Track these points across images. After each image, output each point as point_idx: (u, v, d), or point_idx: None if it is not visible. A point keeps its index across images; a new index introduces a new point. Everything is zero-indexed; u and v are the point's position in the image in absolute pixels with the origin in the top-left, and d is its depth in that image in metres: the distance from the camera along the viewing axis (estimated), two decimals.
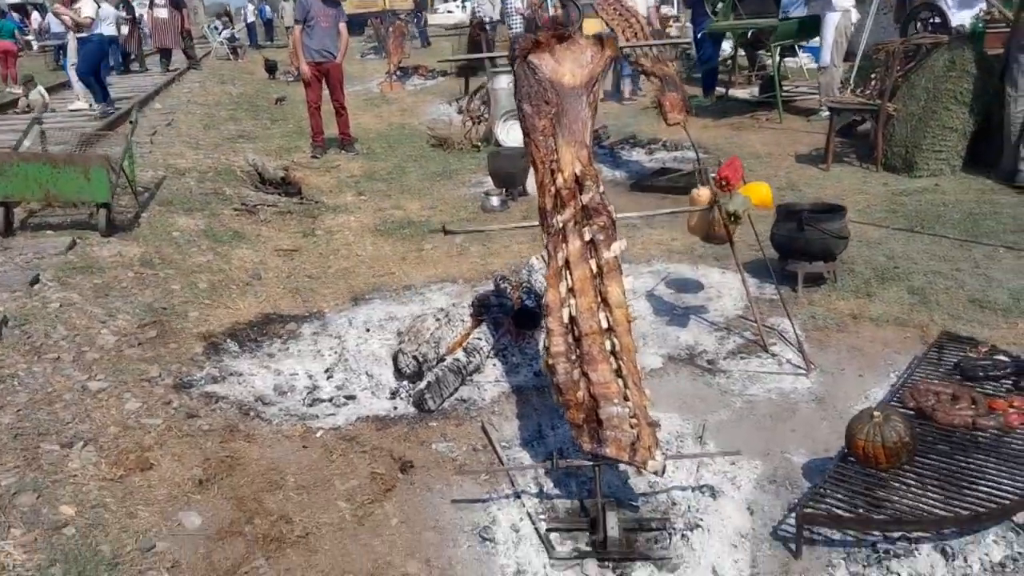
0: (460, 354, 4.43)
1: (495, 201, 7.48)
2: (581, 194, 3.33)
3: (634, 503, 3.34)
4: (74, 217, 6.59)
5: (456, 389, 4.29)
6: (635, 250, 6.26)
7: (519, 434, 3.88)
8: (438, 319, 4.63)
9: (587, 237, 3.27)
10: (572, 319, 3.18)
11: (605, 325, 3.16)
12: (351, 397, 4.28)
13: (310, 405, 4.19)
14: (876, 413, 3.11)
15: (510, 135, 10.35)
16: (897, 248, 5.99)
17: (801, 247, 5.15)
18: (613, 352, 3.14)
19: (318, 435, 3.90)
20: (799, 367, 4.36)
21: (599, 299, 3.21)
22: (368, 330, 5.06)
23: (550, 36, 3.55)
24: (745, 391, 4.19)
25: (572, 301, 3.19)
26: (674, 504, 3.31)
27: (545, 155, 3.38)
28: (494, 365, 4.58)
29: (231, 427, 3.89)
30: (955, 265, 5.59)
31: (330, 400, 4.25)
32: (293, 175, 8.64)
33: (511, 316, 4.77)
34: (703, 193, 4.60)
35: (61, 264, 5.60)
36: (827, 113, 9.54)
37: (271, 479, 3.50)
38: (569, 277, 3.23)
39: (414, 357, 4.33)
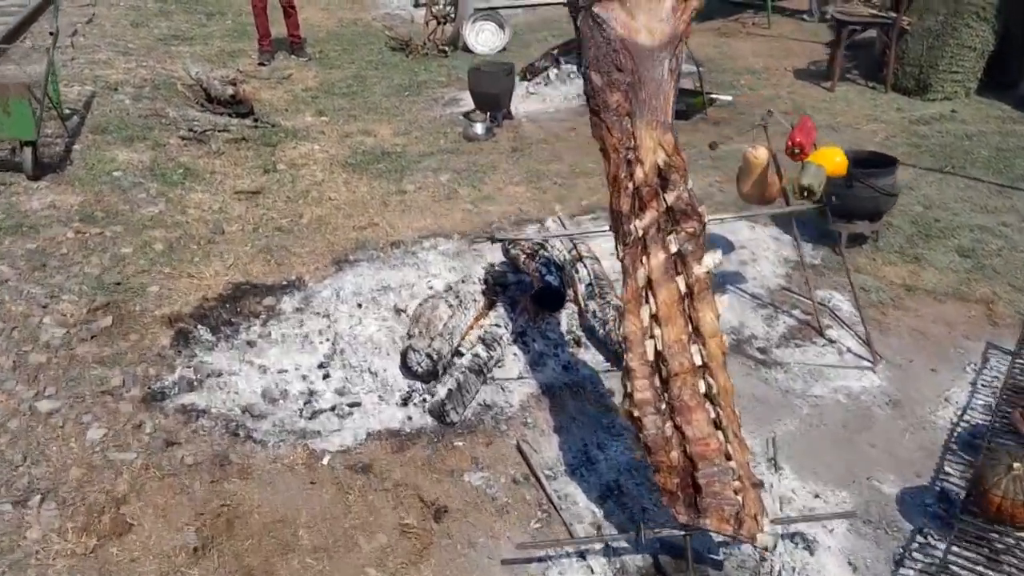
0: (480, 348, 3.81)
1: (479, 128, 6.69)
2: (665, 192, 2.67)
3: (715, 556, 2.85)
4: None
5: (477, 391, 3.70)
6: None
7: (562, 456, 3.33)
8: (450, 304, 3.98)
9: (673, 248, 2.63)
10: (657, 354, 2.58)
11: (698, 361, 2.57)
12: (356, 404, 3.65)
13: (310, 418, 3.56)
14: (1016, 465, 2.63)
15: (479, 39, 9.43)
16: (932, 194, 5.48)
17: (849, 206, 4.58)
18: (708, 395, 2.56)
19: (325, 462, 3.29)
20: (863, 359, 3.87)
21: (689, 328, 2.60)
22: (360, 306, 4.38)
23: None
24: (809, 391, 3.69)
25: (657, 331, 2.58)
26: (763, 560, 2.83)
27: (620, 141, 2.69)
28: (514, 355, 3.98)
29: (221, 458, 3.24)
30: (1000, 218, 5.11)
31: (332, 409, 3.62)
32: (243, 91, 7.64)
33: (531, 295, 4.14)
34: (760, 154, 3.96)
35: None
36: (817, 16, 8.85)
37: (280, 537, 2.89)
38: (652, 300, 2.60)
39: (428, 355, 3.70)
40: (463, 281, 4.29)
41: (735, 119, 6.97)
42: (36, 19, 9.77)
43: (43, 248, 4.59)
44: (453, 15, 9.62)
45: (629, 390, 2.54)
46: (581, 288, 4.21)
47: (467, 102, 7.62)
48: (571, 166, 6.13)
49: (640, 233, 2.62)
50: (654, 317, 2.57)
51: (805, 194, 3.64)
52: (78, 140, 6.18)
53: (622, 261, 2.65)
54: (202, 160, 6.24)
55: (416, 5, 11.88)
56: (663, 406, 2.52)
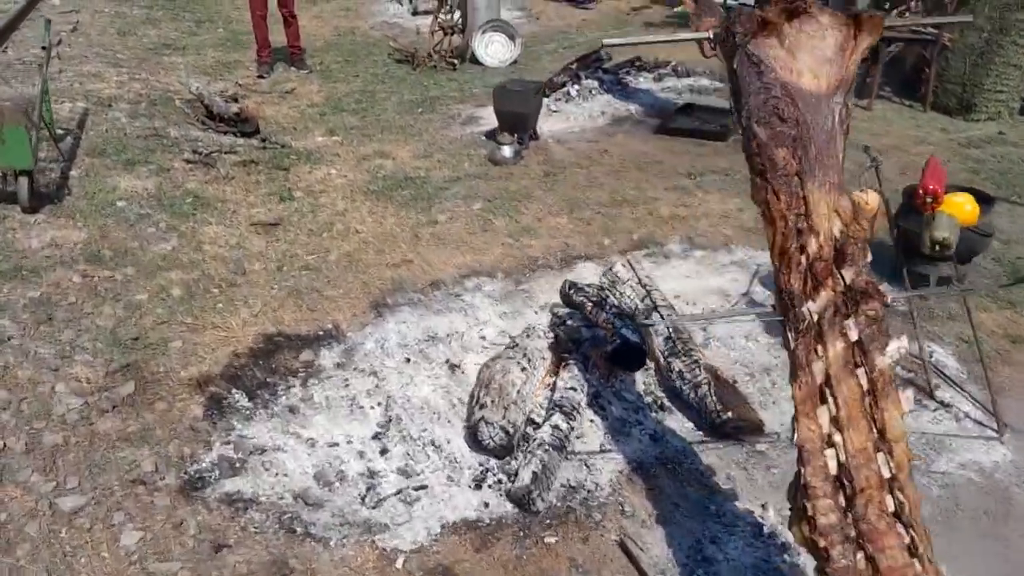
0: (558, 419, 3.33)
1: (507, 152, 6.20)
2: (842, 268, 2.21)
3: None
4: None
5: (558, 468, 3.22)
6: (700, 226, 5.17)
7: (673, 555, 2.87)
8: (523, 368, 3.49)
9: (853, 335, 2.17)
10: (840, 467, 2.12)
11: (887, 473, 2.12)
12: (423, 487, 3.16)
13: (373, 506, 3.05)
14: None
15: (489, 50, 8.95)
16: (1005, 226, 5.10)
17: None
18: (898, 515, 2.11)
19: (400, 565, 2.80)
20: (986, 426, 3.44)
21: (874, 432, 2.15)
22: (408, 360, 3.90)
23: (779, 10, 2.32)
24: (934, 467, 3.27)
25: (838, 438, 2.12)
26: None
27: (788, 206, 2.23)
28: (591, 422, 3.51)
29: (279, 564, 2.74)
30: None
31: (397, 494, 3.12)
32: (247, 107, 7.09)
33: (606, 353, 3.67)
34: (871, 199, 3.51)
35: None
36: None
37: None
38: (832, 400, 2.14)
39: (503, 428, 3.22)
40: (527, 335, 3.80)
41: None
42: (16, 27, 9.13)
43: (48, 296, 4.05)
44: (461, 26, 9.12)
45: (809, 512, 2.08)
46: (658, 342, 3.75)
47: (487, 120, 7.14)
48: (611, 194, 5.67)
49: (815, 318, 2.16)
50: (834, 420, 2.12)
51: (937, 248, 3.20)
52: (75, 165, 5.62)
53: (793, 352, 2.19)
54: (211, 187, 5.69)
55: (415, 13, 11.39)
56: (851, 532, 2.06)
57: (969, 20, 6.37)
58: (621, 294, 3.92)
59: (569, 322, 3.78)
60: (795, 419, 2.16)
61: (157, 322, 4.00)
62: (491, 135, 6.79)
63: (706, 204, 5.47)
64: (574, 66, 7.89)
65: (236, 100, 7.40)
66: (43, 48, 5.79)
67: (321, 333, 4.12)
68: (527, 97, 6.37)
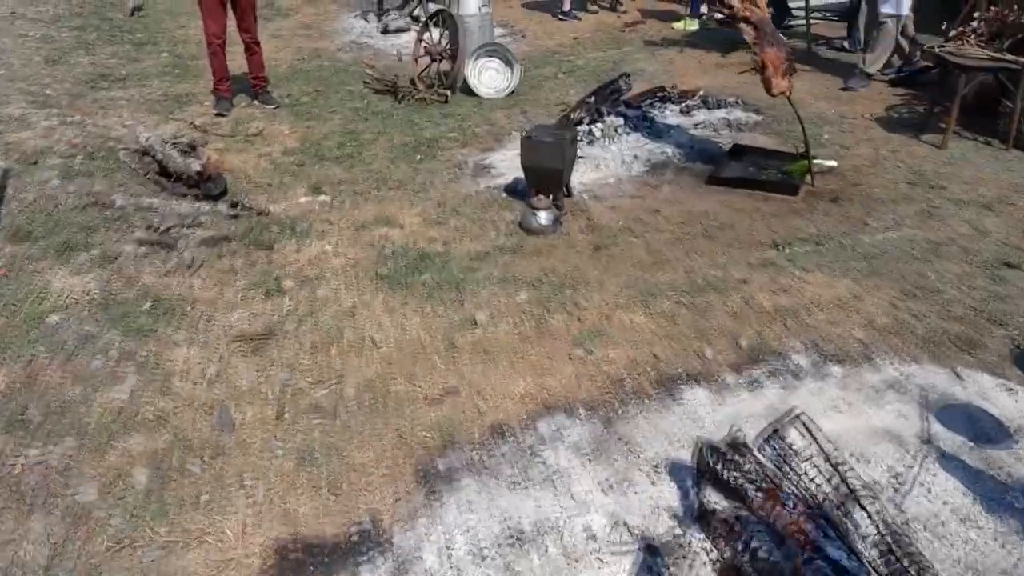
0: None
1: (544, 218, 4.91)
2: None
3: None
4: None
5: None
6: (817, 323, 3.96)
7: None
8: None
9: None
10: None
11: None
12: None
13: None
14: None
15: (483, 79, 7.63)
16: None
17: None
18: None
19: None
20: None
21: None
22: None
23: None
24: None
25: None
26: None
27: None
28: None
29: None
30: None
31: None
32: (210, 161, 5.66)
33: None
34: None
35: None
36: (871, 72, 7.33)
37: None
38: None
39: None
40: (679, 541, 2.52)
41: (853, 192, 5.38)
42: None
43: None
44: (450, 50, 7.78)
45: None
46: (870, 553, 2.51)
47: (500, 170, 5.85)
48: (686, 274, 4.43)
49: None
50: None
51: None
52: None
53: None
54: (174, 281, 4.29)
55: (385, 32, 10.01)
56: None
57: None
58: (800, 475, 2.67)
59: (751, 542, 2.50)
60: None
61: (115, 544, 2.62)
62: (512, 190, 5.50)
63: (810, 288, 4.26)
64: (591, 99, 6.62)
65: (194, 149, 5.96)
66: None
67: (355, 535, 2.78)
68: (562, 148, 5.08)
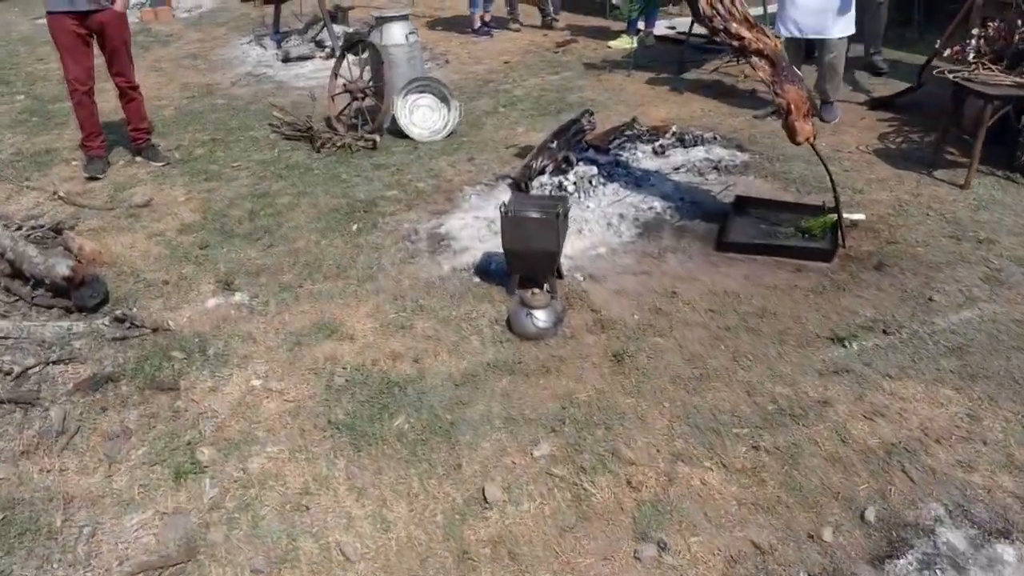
0: None
1: (542, 319, 3.69)
2: None
3: None
4: None
5: None
6: (938, 463, 2.89)
7: None
8: None
9: None
10: None
11: None
12: None
13: None
14: None
15: (415, 118, 6.35)
16: None
17: None
18: None
19: None
20: None
21: None
22: None
23: None
24: None
25: None
26: None
27: None
28: None
29: None
30: None
31: None
32: (83, 255, 4.18)
33: None
34: None
35: None
36: (834, 100, 6.38)
37: None
38: None
39: None
40: None
41: (894, 254, 4.40)
42: None
43: None
44: (373, 86, 6.46)
45: None
46: None
47: (463, 241, 4.63)
48: (748, 393, 3.30)
49: None
50: None
51: None
52: None
53: None
54: (36, 465, 2.87)
55: (286, 60, 8.57)
56: None
57: None
58: None
59: None
60: None
61: None
62: (485, 271, 4.27)
63: (911, 407, 3.20)
64: (554, 144, 5.44)
65: (59, 234, 4.48)
66: None
67: None
68: (555, 226, 3.87)
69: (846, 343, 3.61)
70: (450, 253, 4.53)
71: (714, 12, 4.18)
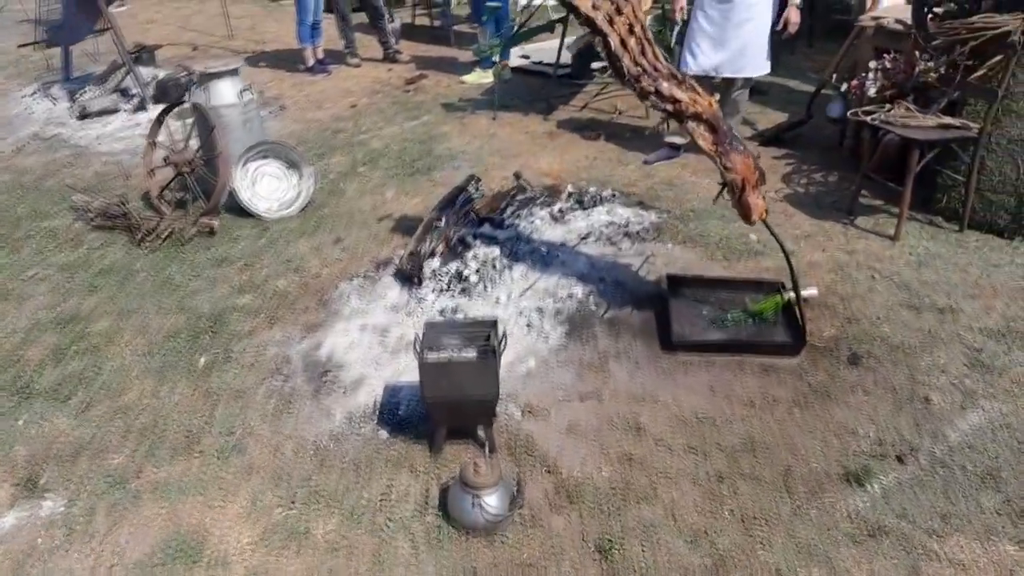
0: None
1: (493, 505, 2.67)
2: None
3: None
4: None
5: None
6: None
7: None
8: None
9: None
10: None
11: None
12: None
13: None
14: None
15: (260, 189, 5.16)
16: None
17: None
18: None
19: None
20: None
21: None
22: None
23: None
24: None
25: None
26: None
27: None
28: None
29: None
30: None
31: None
32: None
33: None
34: None
35: None
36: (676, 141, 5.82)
37: None
38: None
39: None
40: None
41: (859, 337, 3.75)
42: None
43: None
44: (204, 156, 5.16)
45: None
46: None
47: (352, 369, 3.57)
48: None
49: None
50: None
51: None
52: None
53: None
54: None
55: (83, 116, 7.03)
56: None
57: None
58: None
59: None
60: None
61: None
62: (393, 418, 3.21)
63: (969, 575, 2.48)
64: (441, 221, 4.44)
65: None
66: None
67: None
68: (490, 367, 2.86)
69: (863, 484, 2.86)
70: (336, 391, 3.42)
71: (640, 71, 3.31)
